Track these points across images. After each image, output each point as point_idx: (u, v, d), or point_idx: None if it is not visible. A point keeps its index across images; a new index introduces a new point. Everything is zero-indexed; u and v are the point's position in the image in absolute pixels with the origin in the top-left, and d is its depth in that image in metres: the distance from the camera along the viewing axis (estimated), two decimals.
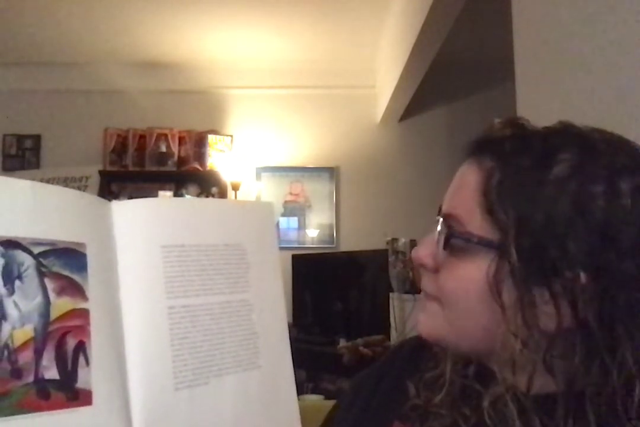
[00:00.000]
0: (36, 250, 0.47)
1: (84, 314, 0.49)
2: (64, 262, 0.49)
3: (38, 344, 0.46)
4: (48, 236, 0.49)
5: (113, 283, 0.53)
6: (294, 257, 3.52)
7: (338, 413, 0.70)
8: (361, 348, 2.70)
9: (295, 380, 0.62)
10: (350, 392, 0.71)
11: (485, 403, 0.52)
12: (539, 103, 1.26)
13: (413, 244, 2.99)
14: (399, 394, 0.61)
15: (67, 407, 0.46)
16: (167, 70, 4.05)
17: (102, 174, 3.98)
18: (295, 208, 4.12)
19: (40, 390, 0.45)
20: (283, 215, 4.07)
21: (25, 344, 0.45)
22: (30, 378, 0.45)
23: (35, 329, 0.46)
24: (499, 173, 0.51)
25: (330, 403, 0.74)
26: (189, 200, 2.05)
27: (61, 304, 0.48)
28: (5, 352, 0.44)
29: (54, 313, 0.47)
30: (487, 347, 0.53)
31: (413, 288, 2.84)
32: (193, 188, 4.01)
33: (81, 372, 0.47)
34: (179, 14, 3.34)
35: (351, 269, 3.22)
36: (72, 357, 0.47)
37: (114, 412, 0.49)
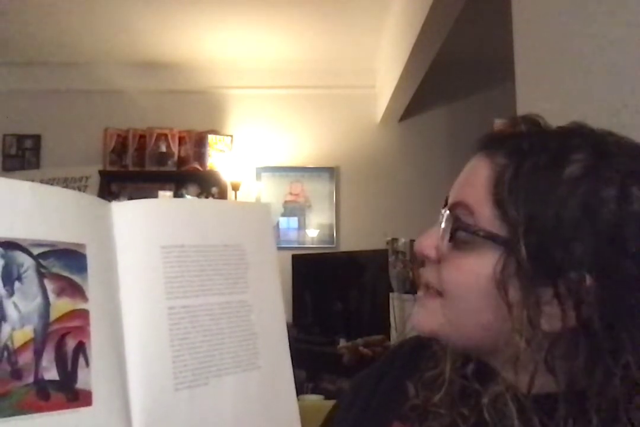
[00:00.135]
0: (36, 251, 0.47)
1: (83, 314, 0.49)
2: (64, 263, 0.49)
3: (38, 344, 0.46)
4: (48, 237, 0.49)
5: (113, 284, 0.53)
6: (294, 257, 3.51)
7: (338, 413, 0.70)
8: (361, 348, 2.70)
9: (295, 380, 0.62)
10: (350, 392, 0.71)
11: (485, 401, 0.52)
12: (539, 103, 1.26)
13: (413, 244, 2.98)
14: (398, 394, 0.61)
15: (67, 407, 0.46)
16: (167, 70, 4.05)
17: (102, 174, 3.98)
18: (295, 208, 4.12)
19: (40, 391, 0.45)
20: (283, 215, 4.07)
21: (25, 345, 0.45)
22: (30, 379, 0.45)
23: (35, 330, 0.46)
24: (513, 169, 0.51)
25: (330, 403, 0.74)
26: (189, 201, 2.06)
27: (61, 305, 0.48)
28: (5, 353, 0.44)
29: (54, 314, 0.47)
30: (488, 344, 0.53)
31: (413, 288, 2.83)
32: (193, 188, 4.01)
33: (81, 372, 0.47)
34: (179, 14, 3.34)
35: (351, 269, 3.22)
36: (72, 357, 0.47)
37: (114, 413, 0.49)
